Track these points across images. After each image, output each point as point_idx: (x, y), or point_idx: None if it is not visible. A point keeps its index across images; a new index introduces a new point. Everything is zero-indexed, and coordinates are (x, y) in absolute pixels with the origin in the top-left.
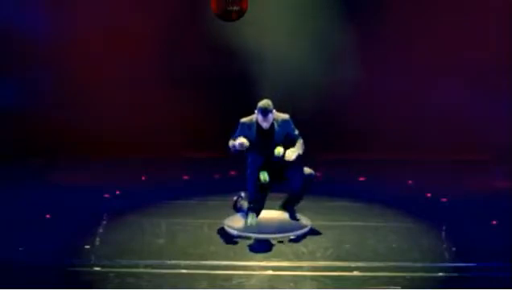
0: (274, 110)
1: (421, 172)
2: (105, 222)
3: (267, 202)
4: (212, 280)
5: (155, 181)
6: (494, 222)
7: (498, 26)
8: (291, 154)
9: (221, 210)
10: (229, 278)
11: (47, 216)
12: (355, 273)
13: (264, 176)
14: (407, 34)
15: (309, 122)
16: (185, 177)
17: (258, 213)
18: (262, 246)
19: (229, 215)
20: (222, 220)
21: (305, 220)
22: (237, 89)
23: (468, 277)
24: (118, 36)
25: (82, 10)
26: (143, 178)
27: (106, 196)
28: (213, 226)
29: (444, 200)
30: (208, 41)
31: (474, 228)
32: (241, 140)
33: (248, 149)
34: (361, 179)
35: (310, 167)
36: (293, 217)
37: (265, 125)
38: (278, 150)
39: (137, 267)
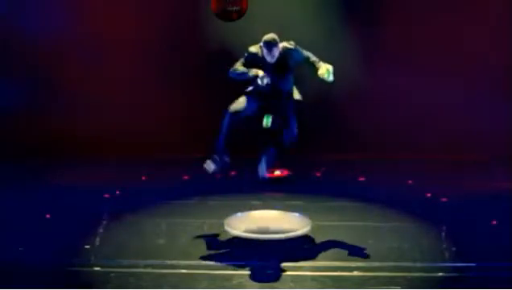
0: (279, 44)
1: (421, 172)
2: (105, 222)
3: (267, 203)
4: (212, 280)
5: (155, 181)
6: (494, 222)
7: (499, 26)
8: (328, 73)
9: (221, 210)
10: (229, 278)
11: (47, 216)
12: (355, 273)
13: (267, 121)
14: (408, 33)
15: (309, 122)
16: (185, 177)
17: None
18: (262, 246)
19: (229, 215)
20: (222, 220)
21: (305, 219)
22: (238, 89)
23: (468, 277)
24: (118, 36)
25: (82, 11)
26: (143, 178)
27: (106, 196)
28: (213, 226)
29: (444, 200)
30: (209, 41)
31: (474, 228)
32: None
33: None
34: (361, 179)
35: (310, 167)
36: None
37: (269, 59)
38: (266, 121)
39: (137, 267)
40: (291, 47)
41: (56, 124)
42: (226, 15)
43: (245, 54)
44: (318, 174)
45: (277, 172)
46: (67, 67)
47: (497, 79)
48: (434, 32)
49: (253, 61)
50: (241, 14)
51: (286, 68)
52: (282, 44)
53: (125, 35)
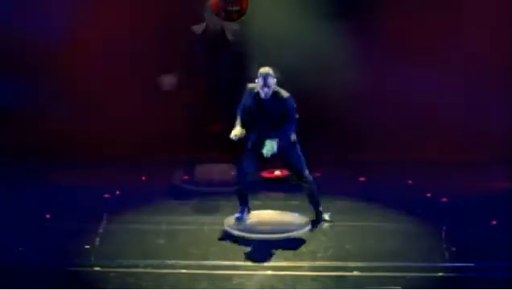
0: (275, 80)
1: (421, 172)
2: (105, 222)
3: (266, 203)
4: (212, 280)
5: (155, 181)
6: (494, 222)
7: (499, 26)
8: (267, 150)
9: (222, 210)
10: (229, 278)
11: (47, 216)
12: (355, 273)
13: (267, 149)
14: (405, 32)
15: (308, 122)
16: (185, 177)
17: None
18: (262, 246)
19: (229, 215)
20: (222, 220)
21: (304, 219)
22: (236, 90)
23: (467, 277)
24: (117, 36)
25: (82, 11)
26: (143, 178)
27: (106, 196)
28: (213, 226)
29: (444, 200)
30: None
31: (474, 228)
32: (236, 133)
33: (249, 121)
34: (361, 179)
35: (310, 167)
36: (318, 215)
37: (265, 91)
38: (268, 146)
39: (137, 266)
40: (287, 96)
41: (56, 124)
42: (226, 15)
43: (245, 91)
44: (318, 174)
45: (277, 172)
46: (66, 67)
47: (498, 79)
48: (434, 32)
49: (248, 99)
50: (241, 14)
51: (278, 114)
52: (280, 91)
53: (124, 34)
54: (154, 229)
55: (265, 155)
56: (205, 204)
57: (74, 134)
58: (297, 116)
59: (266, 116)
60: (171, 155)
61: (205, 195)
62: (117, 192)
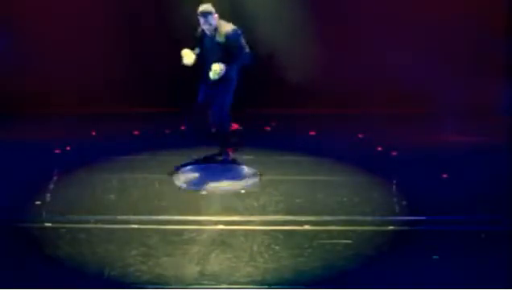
0: (216, 15)
1: (371, 126)
2: (55, 178)
3: (217, 156)
4: (163, 235)
5: (106, 136)
6: (445, 176)
7: None
8: (214, 73)
9: (172, 165)
10: (180, 233)
11: None
12: (306, 227)
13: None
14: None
15: (258, 77)
16: (136, 132)
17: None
18: (213, 201)
19: (179, 169)
20: (173, 174)
21: (254, 172)
22: (189, 45)
23: (418, 230)
24: None
25: None
26: (93, 133)
27: (57, 151)
28: (164, 181)
29: (395, 153)
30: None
31: (424, 181)
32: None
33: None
34: (312, 133)
35: (260, 121)
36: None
37: (207, 28)
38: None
39: (88, 222)
40: (229, 31)
41: (4, 80)
42: None
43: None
44: (267, 128)
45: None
46: (15, 21)
47: (446, 33)
48: None
49: (198, 40)
50: None
51: (217, 51)
52: (224, 25)
53: None
54: (105, 184)
55: (212, 78)
56: (156, 159)
57: (23, 90)
58: (246, 49)
59: (212, 52)
60: (121, 110)
61: (155, 150)
62: (68, 148)
